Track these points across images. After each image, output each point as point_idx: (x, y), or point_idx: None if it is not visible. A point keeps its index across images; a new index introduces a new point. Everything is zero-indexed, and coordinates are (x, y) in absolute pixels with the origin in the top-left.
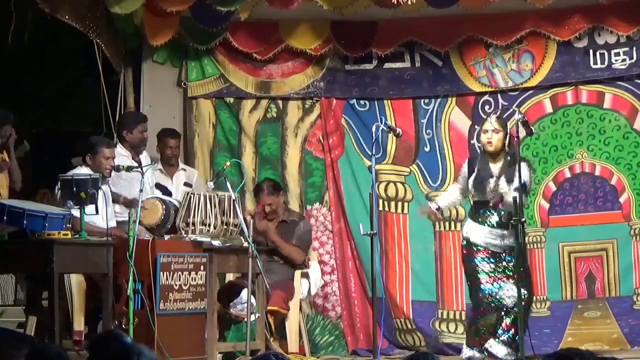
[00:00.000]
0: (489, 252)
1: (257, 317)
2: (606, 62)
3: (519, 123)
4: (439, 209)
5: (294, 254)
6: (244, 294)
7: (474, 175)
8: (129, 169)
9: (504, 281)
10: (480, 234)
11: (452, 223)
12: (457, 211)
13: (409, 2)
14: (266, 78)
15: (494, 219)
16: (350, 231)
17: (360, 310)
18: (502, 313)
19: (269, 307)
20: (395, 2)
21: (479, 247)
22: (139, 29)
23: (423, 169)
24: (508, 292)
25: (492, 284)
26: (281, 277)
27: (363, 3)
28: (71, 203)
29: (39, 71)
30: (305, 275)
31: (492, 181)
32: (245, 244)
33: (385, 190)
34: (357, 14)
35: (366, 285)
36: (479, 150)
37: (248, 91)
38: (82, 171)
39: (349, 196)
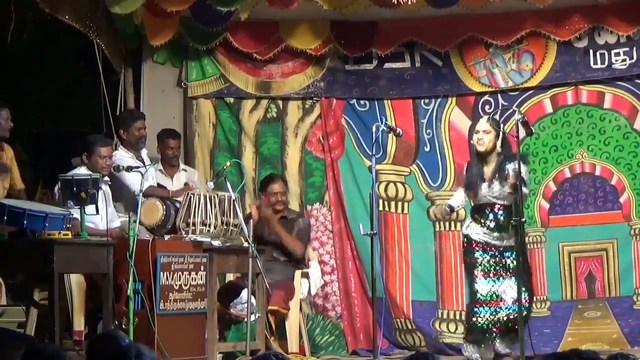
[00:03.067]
0: (489, 245)
1: (257, 317)
2: (606, 62)
3: (519, 123)
4: (451, 207)
5: (295, 246)
6: (244, 294)
7: (467, 179)
8: (129, 169)
9: (503, 277)
10: (479, 232)
11: (453, 223)
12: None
13: (409, 2)
14: (266, 78)
15: (491, 222)
16: (350, 231)
17: (360, 310)
18: (499, 314)
19: (269, 307)
20: (395, 2)
21: (479, 242)
22: (139, 29)
23: (423, 169)
24: (507, 288)
25: (488, 278)
26: (281, 277)
27: (363, 3)
28: (71, 203)
29: (39, 71)
30: (305, 275)
31: (484, 186)
32: (245, 244)
33: (385, 190)
34: (357, 14)
35: (366, 285)
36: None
37: (248, 91)
38: (82, 171)
39: (349, 196)
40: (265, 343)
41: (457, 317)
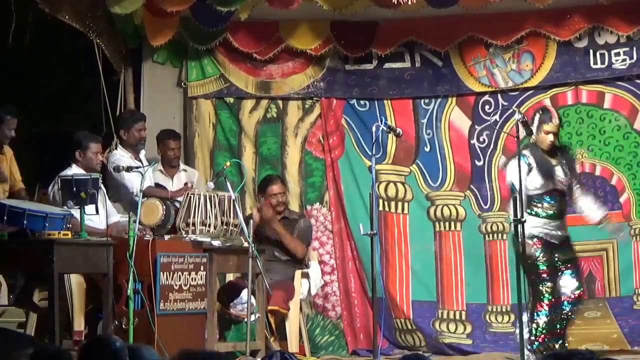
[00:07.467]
0: (543, 242)
1: (257, 317)
2: (606, 62)
3: (519, 123)
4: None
5: (296, 246)
6: (244, 294)
7: (536, 167)
8: (129, 169)
9: (562, 271)
10: (536, 225)
11: (452, 223)
12: (457, 211)
13: (409, 2)
14: (266, 78)
15: (550, 209)
16: (350, 231)
17: (360, 310)
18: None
19: (269, 307)
20: (395, 2)
21: (535, 239)
22: (139, 29)
23: (423, 169)
24: (565, 282)
25: (551, 276)
26: (281, 277)
27: (363, 3)
28: (71, 203)
29: (39, 71)
30: (306, 275)
31: (558, 169)
32: (245, 244)
33: (385, 190)
34: (357, 14)
35: (366, 285)
36: (478, 151)
37: (248, 91)
38: (73, 171)
39: (349, 196)
40: (265, 343)
41: (457, 317)
